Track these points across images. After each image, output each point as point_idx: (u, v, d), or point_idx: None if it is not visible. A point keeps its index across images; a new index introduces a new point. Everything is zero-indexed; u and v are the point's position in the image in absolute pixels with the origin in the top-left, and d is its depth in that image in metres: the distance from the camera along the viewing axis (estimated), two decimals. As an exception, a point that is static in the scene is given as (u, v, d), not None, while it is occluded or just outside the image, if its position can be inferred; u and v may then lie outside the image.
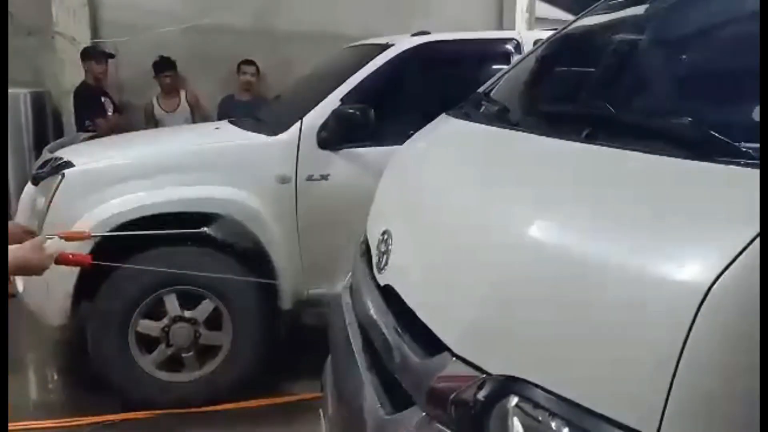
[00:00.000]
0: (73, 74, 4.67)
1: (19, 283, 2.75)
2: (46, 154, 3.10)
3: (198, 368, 2.82)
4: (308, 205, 2.88)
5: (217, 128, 3.42)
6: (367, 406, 1.27)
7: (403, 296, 1.27)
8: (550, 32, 2.13)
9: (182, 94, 4.86)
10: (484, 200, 1.22)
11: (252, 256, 2.80)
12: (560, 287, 0.91)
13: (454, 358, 1.02)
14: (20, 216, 2.89)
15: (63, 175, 2.69)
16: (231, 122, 3.44)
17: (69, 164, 2.74)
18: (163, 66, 4.73)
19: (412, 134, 1.94)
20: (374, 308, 1.42)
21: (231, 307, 2.80)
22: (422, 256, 1.29)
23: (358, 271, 1.66)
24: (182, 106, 4.84)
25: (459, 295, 1.10)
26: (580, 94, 1.47)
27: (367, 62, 3.00)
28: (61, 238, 1.82)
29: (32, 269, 1.53)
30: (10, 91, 4.40)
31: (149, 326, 2.75)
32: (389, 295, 1.36)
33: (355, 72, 2.98)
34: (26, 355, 3.33)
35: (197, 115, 4.89)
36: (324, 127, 2.87)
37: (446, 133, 1.71)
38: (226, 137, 3.14)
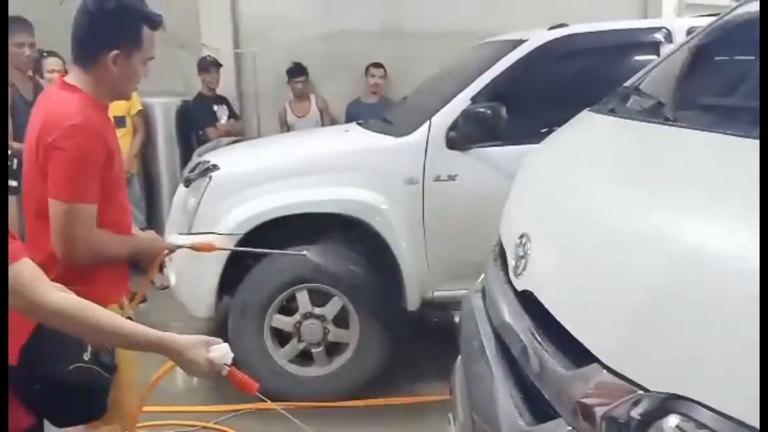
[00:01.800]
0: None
1: (172, 277, 3.00)
2: (195, 158, 3.35)
3: (326, 364, 2.91)
4: (435, 206, 2.87)
5: (346, 131, 3.52)
6: (503, 414, 1.23)
7: (545, 303, 1.21)
8: (706, 19, 1.94)
9: (312, 98, 5.07)
10: (639, 203, 1.13)
11: (380, 257, 2.84)
12: (731, 302, 0.82)
13: (604, 371, 0.96)
14: (173, 215, 3.15)
15: (210, 178, 2.90)
16: (360, 125, 3.52)
17: (215, 167, 2.95)
18: (296, 72, 4.96)
19: (547, 132, 1.85)
20: (510, 314, 1.37)
21: (358, 306, 2.86)
22: (567, 262, 1.22)
23: (492, 275, 1.61)
24: (312, 110, 5.04)
25: (612, 304, 1.02)
26: (752, 86, 1.31)
27: (500, 59, 2.92)
28: (190, 248, 1.94)
29: (184, 363, 1.31)
30: (161, 100, 4.83)
31: (283, 321, 2.88)
32: (527, 301, 1.30)
33: (486, 70, 2.92)
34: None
35: (326, 118, 5.08)
36: (453, 127, 2.84)
37: (589, 130, 1.61)
38: (355, 140, 3.21)
